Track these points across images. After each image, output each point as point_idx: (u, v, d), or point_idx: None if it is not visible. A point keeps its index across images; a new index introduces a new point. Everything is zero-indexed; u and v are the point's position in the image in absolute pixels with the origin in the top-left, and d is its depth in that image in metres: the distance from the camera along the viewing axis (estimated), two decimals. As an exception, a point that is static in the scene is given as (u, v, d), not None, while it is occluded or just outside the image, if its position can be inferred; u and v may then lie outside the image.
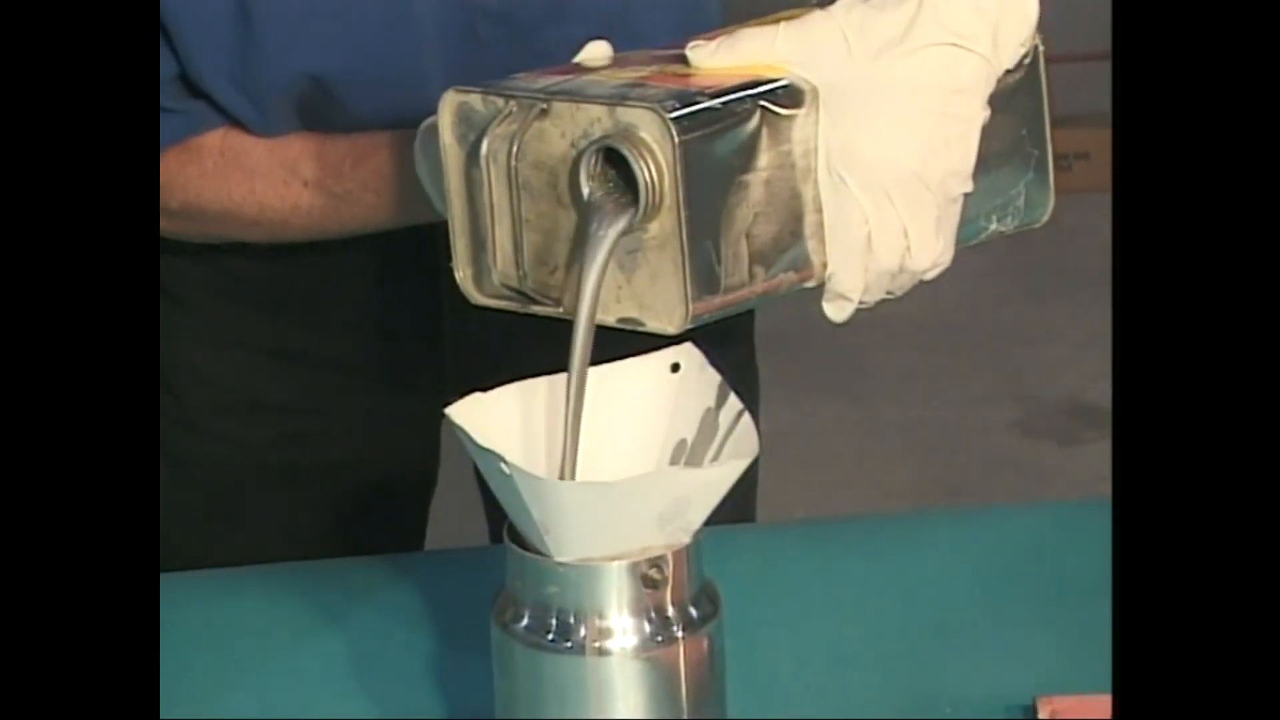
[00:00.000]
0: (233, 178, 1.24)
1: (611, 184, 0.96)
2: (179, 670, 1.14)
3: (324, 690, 1.14)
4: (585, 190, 0.96)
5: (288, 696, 1.14)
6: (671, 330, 0.97)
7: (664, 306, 0.96)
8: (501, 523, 0.99)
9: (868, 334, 3.34)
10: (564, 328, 0.96)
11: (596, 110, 0.95)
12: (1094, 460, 3.06)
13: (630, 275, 0.97)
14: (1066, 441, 3.15)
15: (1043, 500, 2.53)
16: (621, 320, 0.98)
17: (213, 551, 1.33)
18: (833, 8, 0.99)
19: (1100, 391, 3.23)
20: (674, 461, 1.01)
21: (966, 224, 1.03)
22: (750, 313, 1.38)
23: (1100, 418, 3.18)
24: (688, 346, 1.02)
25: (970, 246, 1.04)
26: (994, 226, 1.07)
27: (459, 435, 0.96)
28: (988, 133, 1.01)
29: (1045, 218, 1.09)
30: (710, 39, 1.00)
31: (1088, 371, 3.29)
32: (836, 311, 1.00)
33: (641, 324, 0.97)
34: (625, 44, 1.06)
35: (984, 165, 1.01)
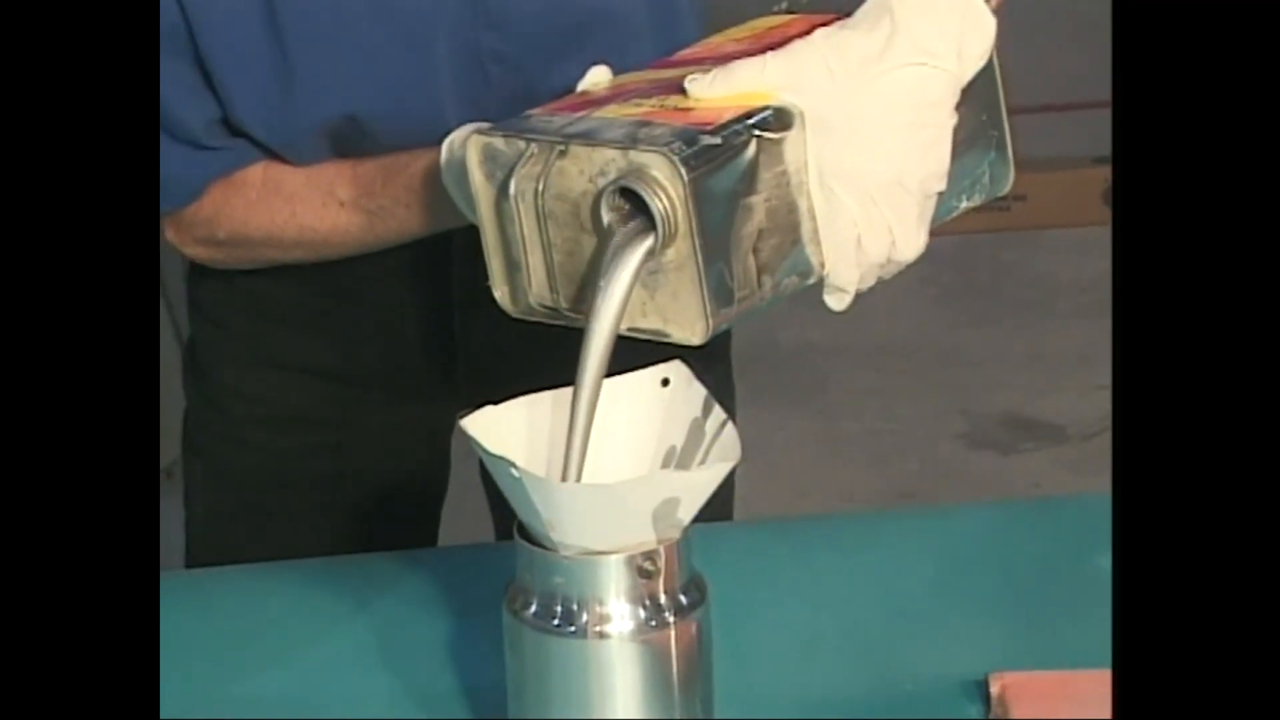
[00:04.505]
0: (274, 204, 1.24)
1: (629, 208, 0.97)
2: (220, 654, 1.16)
3: (350, 669, 1.15)
4: (606, 222, 0.97)
5: (318, 675, 1.15)
6: (695, 341, 0.98)
7: (686, 321, 0.98)
8: (506, 522, 1.00)
9: (831, 357, 3.29)
10: (569, 345, 0.97)
11: (611, 152, 0.96)
12: (1031, 468, 3.04)
13: (653, 292, 0.98)
14: (1007, 451, 3.11)
15: (986, 502, 2.53)
16: (648, 332, 0.99)
17: (250, 549, 1.34)
18: (813, 36, 1.00)
19: (1036, 407, 3.19)
20: (665, 465, 1.02)
21: (940, 205, 1.04)
22: (728, 334, 1.37)
23: (1036, 430, 3.15)
24: (676, 363, 1.03)
25: (921, 279, 1.05)
26: (964, 204, 1.08)
27: (472, 444, 0.97)
28: (954, 125, 1.02)
29: (1008, 188, 1.10)
30: (704, 69, 1.01)
31: (1025, 389, 3.23)
32: (836, 302, 1.02)
33: (667, 335, 0.99)
34: (619, 69, 1.08)
35: (953, 153, 1.02)
